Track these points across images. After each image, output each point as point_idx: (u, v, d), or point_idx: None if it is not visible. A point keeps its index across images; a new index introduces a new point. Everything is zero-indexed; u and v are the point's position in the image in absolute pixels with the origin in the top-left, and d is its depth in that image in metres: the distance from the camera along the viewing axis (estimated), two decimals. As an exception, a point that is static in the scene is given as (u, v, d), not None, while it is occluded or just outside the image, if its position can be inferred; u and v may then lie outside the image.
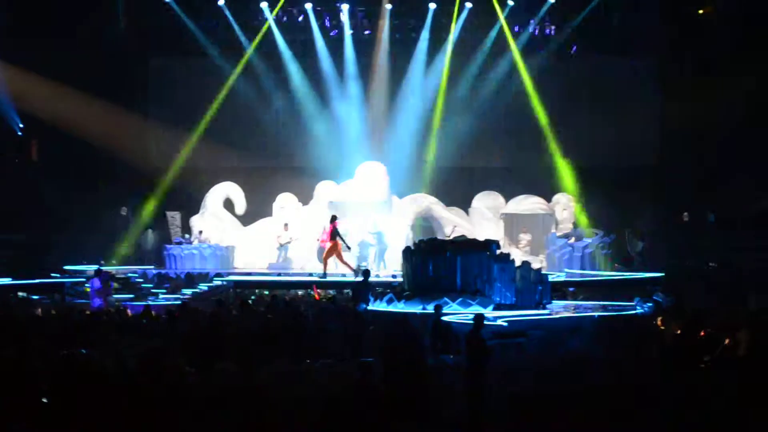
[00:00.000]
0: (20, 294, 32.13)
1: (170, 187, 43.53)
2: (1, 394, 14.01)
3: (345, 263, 33.86)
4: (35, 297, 32.32)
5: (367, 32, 44.59)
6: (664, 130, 43.69)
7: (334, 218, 33.96)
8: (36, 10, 39.85)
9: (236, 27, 43.72)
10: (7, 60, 39.21)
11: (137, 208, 43.17)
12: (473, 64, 44.04)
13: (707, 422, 15.18)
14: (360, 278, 27.68)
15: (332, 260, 33.84)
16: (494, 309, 24.35)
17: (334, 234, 33.51)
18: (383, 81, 44.31)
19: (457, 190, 43.06)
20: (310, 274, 36.34)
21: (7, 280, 33.00)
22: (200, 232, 40.68)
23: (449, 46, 44.03)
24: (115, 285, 33.31)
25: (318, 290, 32.11)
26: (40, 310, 29.25)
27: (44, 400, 13.86)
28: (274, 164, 44.12)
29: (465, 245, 27.27)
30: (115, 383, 14.41)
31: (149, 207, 43.26)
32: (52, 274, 35.22)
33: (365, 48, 44.49)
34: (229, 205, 42.75)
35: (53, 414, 13.20)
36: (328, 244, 33.81)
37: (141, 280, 36.65)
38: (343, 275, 35.03)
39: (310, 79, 44.46)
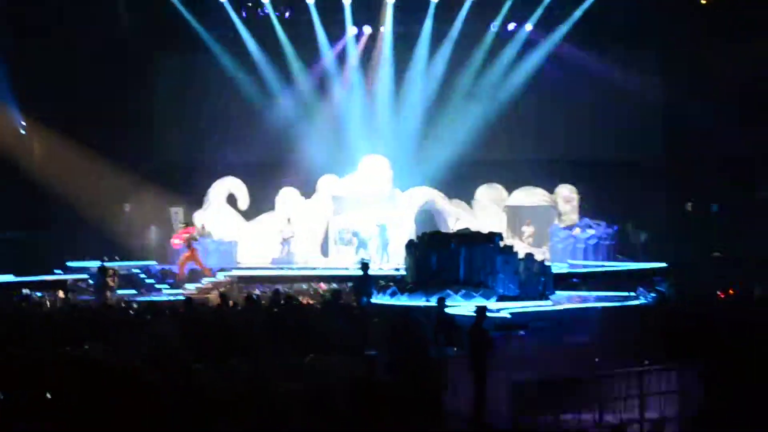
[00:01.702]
0: (24, 291, 32.13)
1: (173, 183, 43.50)
2: (7, 390, 14.05)
3: (183, 266, 35.19)
4: (39, 294, 32.31)
5: (369, 25, 44.49)
6: (666, 120, 43.63)
7: (188, 224, 34.50)
8: (37, 13, 40.07)
9: (238, 22, 43.75)
10: (10, 61, 39.44)
11: (139, 204, 43.26)
12: (475, 57, 44.01)
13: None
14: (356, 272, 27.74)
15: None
16: (497, 301, 24.37)
17: (189, 241, 34.07)
18: (386, 74, 44.31)
19: (459, 183, 42.97)
20: (314, 269, 36.44)
21: (9, 277, 33.02)
22: (203, 226, 40.64)
23: (452, 38, 43.97)
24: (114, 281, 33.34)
25: (322, 284, 32.25)
26: (44, 306, 29.31)
27: (48, 396, 13.89)
28: (276, 159, 44.02)
29: (468, 237, 27.26)
30: (121, 379, 14.45)
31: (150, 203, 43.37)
32: (56, 271, 35.25)
33: (367, 41, 44.52)
34: (231, 200, 42.75)
35: (58, 410, 13.23)
36: (185, 251, 34.37)
37: (144, 275, 36.65)
38: (346, 268, 35.19)
39: (312, 73, 44.50)
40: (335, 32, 44.42)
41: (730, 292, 27.22)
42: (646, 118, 43.35)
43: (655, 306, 23.94)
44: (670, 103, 42.96)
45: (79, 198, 40.37)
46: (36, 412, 13.09)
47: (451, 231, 31.28)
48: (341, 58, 44.62)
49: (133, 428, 12.69)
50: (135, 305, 27.84)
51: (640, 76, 42.76)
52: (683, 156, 42.00)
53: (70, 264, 36.43)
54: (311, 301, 27.67)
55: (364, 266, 27.39)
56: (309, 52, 44.50)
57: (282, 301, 24.97)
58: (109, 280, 31.69)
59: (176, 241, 35.11)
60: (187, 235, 34.86)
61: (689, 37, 41.54)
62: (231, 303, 25.84)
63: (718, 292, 27.01)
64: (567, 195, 41.92)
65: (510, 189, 42.47)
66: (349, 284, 30.74)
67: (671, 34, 42.13)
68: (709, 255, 37.61)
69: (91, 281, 33.40)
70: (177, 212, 43.11)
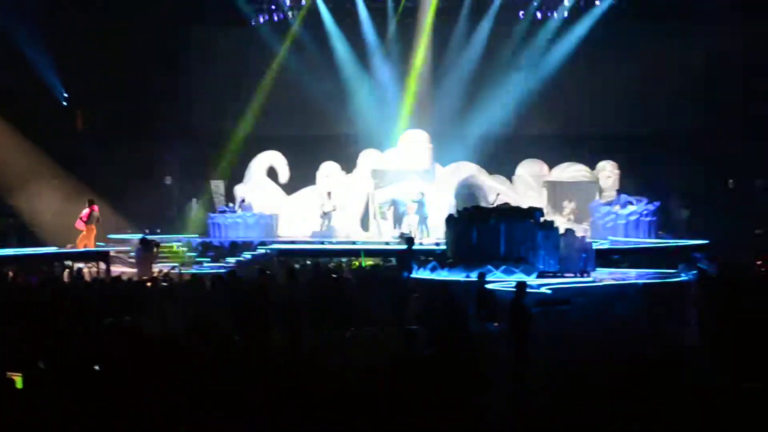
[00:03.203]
0: (66, 263, 32.35)
1: (214, 157, 43.67)
2: (52, 361, 14.16)
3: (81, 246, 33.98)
4: (81, 265, 32.53)
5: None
6: (709, 96, 43.26)
7: (91, 202, 34.10)
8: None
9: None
10: (50, 30, 39.67)
11: (181, 177, 43.44)
12: (516, 31, 43.86)
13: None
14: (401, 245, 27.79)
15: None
16: (538, 276, 24.33)
17: (91, 219, 33.72)
18: (427, 49, 44.16)
19: (500, 158, 42.84)
20: (354, 243, 36.50)
21: (53, 249, 33.25)
22: (242, 200, 40.79)
23: (492, 11, 43.81)
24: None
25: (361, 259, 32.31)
26: (86, 277, 29.48)
27: (96, 368, 13.99)
28: (317, 133, 44.07)
29: (509, 213, 27.22)
30: (162, 350, 14.54)
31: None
32: (98, 243, 35.45)
33: (409, 15, 44.33)
34: (272, 173, 42.84)
35: (102, 381, 13.33)
36: (84, 230, 33.96)
37: (185, 248, 36.81)
38: (387, 243, 35.26)
39: (353, 46, 44.41)
40: (376, 6, 44.31)
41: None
42: (686, 92, 42.98)
43: (696, 283, 23.80)
44: (712, 76, 42.71)
45: (119, 171, 40.61)
46: (77, 382, 13.17)
47: (492, 206, 31.23)
48: (382, 32, 44.46)
49: (172, 397, 12.75)
50: (176, 278, 28.01)
51: (680, 48, 42.48)
52: (725, 132, 41.67)
53: (111, 236, 36.68)
54: (350, 276, 27.71)
55: (409, 241, 27.44)
56: (350, 26, 44.43)
57: (323, 275, 25.06)
58: (151, 253, 31.86)
59: (79, 225, 34.85)
60: (86, 216, 34.58)
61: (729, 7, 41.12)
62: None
63: (758, 261, 26.88)
64: (608, 170, 41.76)
65: (551, 164, 42.33)
66: (391, 259, 30.89)
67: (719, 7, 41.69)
68: (752, 233, 37.34)
69: (132, 253, 33.60)
70: (218, 185, 43.30)
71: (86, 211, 34.10)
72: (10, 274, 28.80)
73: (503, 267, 24.54)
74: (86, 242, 33.74)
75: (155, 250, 32.92)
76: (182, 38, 44.61)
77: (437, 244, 32.22)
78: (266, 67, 43.90)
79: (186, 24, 44.50)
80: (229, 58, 44.62)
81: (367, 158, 42.11)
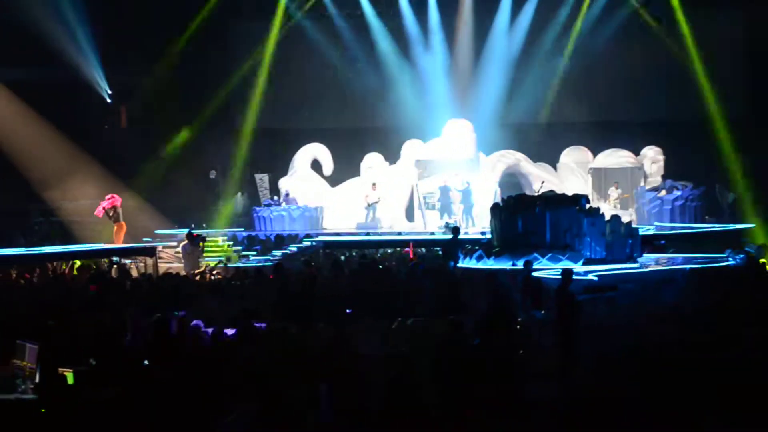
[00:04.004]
0: (114, 258, 32.51)
1: (258, 150, 43.79)
2: (101, 357, 14.26)
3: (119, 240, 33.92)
4: (128, 261, 32.68)
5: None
6: (753, 79, 42.92)
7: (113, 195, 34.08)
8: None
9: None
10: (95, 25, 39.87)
11: (226, 171, 43.57)
12: (558, 19, 43.57)
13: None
14: (449, 235, 27.79)
15: None
16: (584, 263, 24.24)
17: (118, 215, 33.63)
18: (468, 37, 44.03)
19: (544, 146, 42.73)
20: (399, 233, 36.51)
21: (100, 245, 33.43)
22: (287, 193, 40.89)
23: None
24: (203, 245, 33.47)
25: (410, 249, 32.25)
26: (134, 273, 29.66)
27: (145, 363, 14.09)
28: (360, 124, 44.12)
29: (554, 200, 27.12)
30: (210, 345, 14.61)
31: (238, 170, 43.58)
32: (144, 239, 35.66)
33: (449, 3, 44.14)
34: (316, 166, 42.91)
35: (149, 376, 13.41)
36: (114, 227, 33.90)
37: (231, 242, 36.93)
38: (432, 233, 35.23)
39: (394, 37, 44.30)
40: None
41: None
42: (731, 75, 42.66)
43: (743, 268, 23.62)
44: (757, 57, 42.38)
45: (164, 165, 40.85)
46: (125, 378, 13.25)
47: (536, 194, 31.13)
48: (423, 21, 44.32)
49: (218, 392, 12.80)
50: (223, 272, 28.12)
51: (724, 31, 42.22)
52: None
53: (158, 232, 36.87)
54: (396, 266, 27.67)
55: (455, 230, 27.42)
56: (391, 16, 44.31)
57: (369, 266, 25.05)
58: (197, 248, 31.99)
59: (99, 208, 34.70)
60: (109, 206, 34.37)
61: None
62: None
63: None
64: (653, 156, 41.56)
65: (594, 151, 42.14)
66: (436, 249, 30.86)
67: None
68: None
69: (179, 249, 33.74)
70: (262, 179, 43.42)
71: (109, 201, 34.06)
72: (66, 270, 29.14)
73: (549, 255, 24.46)
74: (116, 239, 33.90)
75: (201, 244, 33.02)
76: (225, 33, 44.69)
77: (483, 233, 32.15)
78: (308, 60, 43.95)
79: (229, 19, 44.59)
80: (272, 53, 44.66)
81: (411, 149, 42.10)
